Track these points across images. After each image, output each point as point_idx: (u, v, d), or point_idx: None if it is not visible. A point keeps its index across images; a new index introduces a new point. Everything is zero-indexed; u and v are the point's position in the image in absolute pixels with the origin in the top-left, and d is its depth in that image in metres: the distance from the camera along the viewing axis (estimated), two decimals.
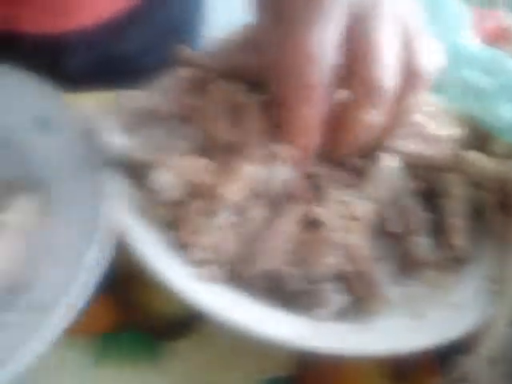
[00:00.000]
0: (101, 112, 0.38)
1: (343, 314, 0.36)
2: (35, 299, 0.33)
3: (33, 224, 0.35)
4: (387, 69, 0.35)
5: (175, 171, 0.35)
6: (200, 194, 0.35)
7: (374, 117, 0.37)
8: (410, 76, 0.37)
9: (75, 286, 0.32)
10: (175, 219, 0.36)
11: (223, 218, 0.35)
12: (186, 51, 0.43)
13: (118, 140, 0.36)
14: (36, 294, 0.33)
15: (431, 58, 0.37)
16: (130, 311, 0.38)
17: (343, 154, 0.39)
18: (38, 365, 0.31)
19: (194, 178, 0.35)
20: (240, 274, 0.36)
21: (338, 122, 0.38)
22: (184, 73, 0.42)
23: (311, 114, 0.36)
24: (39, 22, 0.54)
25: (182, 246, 0.35)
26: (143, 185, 0.37)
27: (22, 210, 0.35)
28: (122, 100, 0.40)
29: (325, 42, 0.35)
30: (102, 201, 0.34)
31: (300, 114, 0.36)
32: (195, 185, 0.36)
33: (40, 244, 0.35)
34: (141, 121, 0.39)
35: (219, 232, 0.35)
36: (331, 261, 0.35)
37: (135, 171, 0.37)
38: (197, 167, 0.36)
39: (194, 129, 0.39)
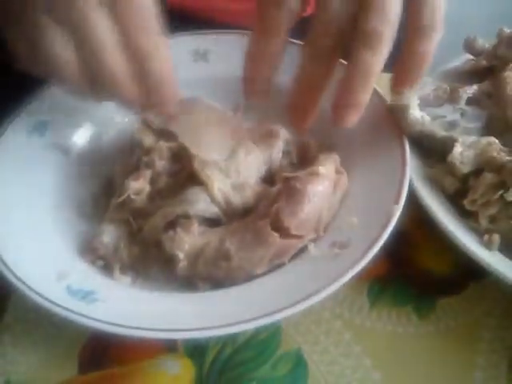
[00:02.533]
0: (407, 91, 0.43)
1: None
2: (336, 239, 0.41)
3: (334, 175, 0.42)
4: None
5: (469, 147, 0.40)
6: (491, 169, 0.39)
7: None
8: None
9: (373, 232, 0.39)
10: (464, 189, 0.40)
11: None
12: (475, 41, 0.47)
13: (420, 116, 0.42)
14: (334, 235, 0.41)
15: None
16: (399, 266, 0.43)
17: None
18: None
19: (486, 153, 0.40)
20: None
21: None
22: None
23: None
24: None
25: (465, 214, 0.40)
26: (430, 156, 0.42)
27: (329, 164, 0.42)
28: None
29: None
30: (407, 166, 0.40)
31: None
32: (487, 160, 0.40)
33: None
34: (433, 100, 0.44)
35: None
36: None
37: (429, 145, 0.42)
38: (488, 144, 0.40)
39: (481, 111, 0.43)
